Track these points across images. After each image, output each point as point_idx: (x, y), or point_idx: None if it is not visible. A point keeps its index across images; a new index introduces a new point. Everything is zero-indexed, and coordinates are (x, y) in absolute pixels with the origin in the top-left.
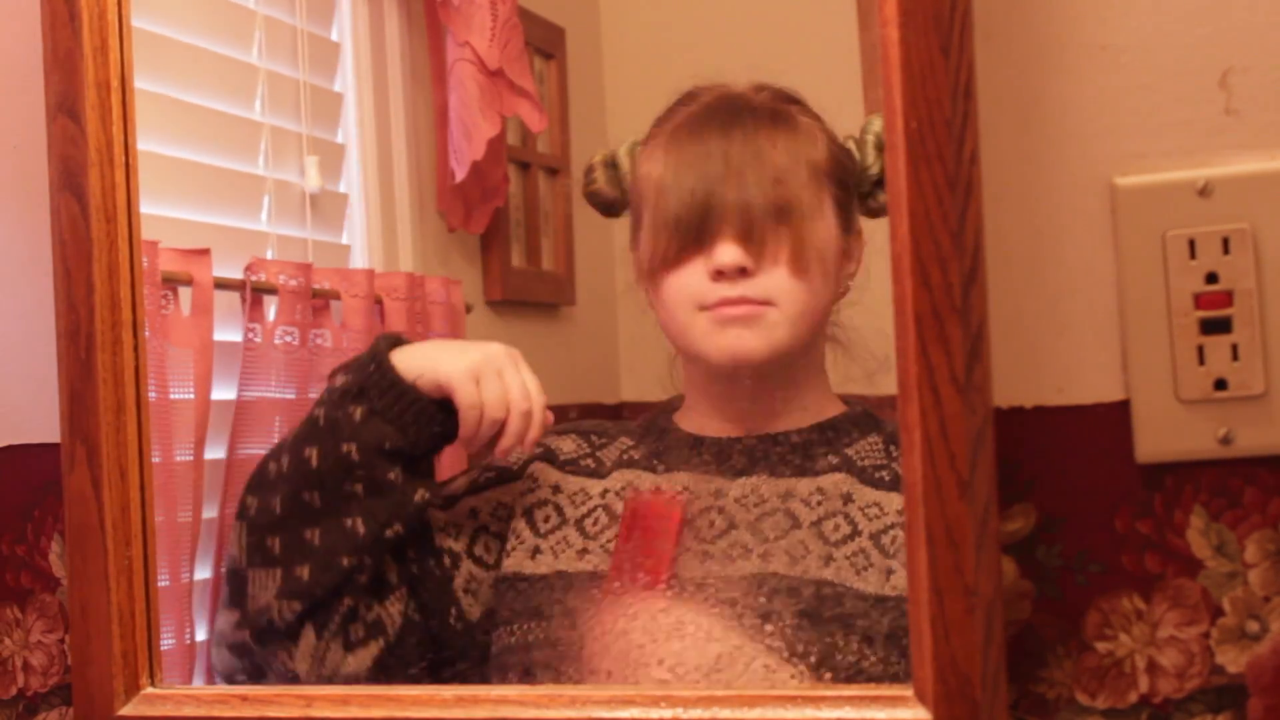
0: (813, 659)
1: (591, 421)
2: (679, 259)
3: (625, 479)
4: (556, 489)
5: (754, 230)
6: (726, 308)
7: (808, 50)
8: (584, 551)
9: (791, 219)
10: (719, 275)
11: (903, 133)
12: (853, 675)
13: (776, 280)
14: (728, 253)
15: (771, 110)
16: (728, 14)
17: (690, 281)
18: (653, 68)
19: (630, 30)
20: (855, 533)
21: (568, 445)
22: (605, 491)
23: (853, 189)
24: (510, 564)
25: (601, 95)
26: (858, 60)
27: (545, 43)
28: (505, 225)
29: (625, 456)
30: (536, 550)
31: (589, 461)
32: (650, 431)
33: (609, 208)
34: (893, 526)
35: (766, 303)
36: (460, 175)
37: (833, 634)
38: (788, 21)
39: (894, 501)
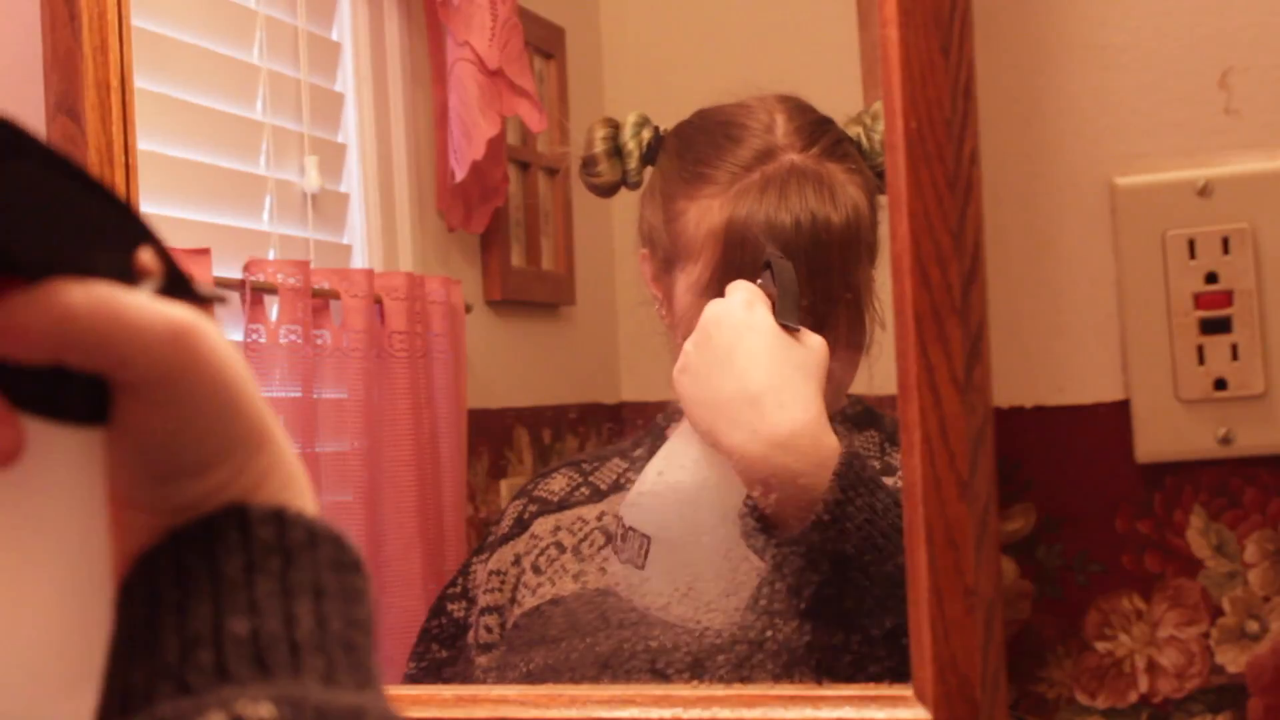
0: (806, 639)
1: (586, 452)
2: None
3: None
4: (556, 529)
5: (818, 326)
6: None
7: (808, 50)
8: (579, 574)
9: (851, 305)
10: None
11: (903, 133)
12: (853, 658)
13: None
14: None
15: (823, 182)
16: (728, 14)
17: None
18: (653, 68)
19: (630, 30)
20: None
21: (558, 484)
22: (602, 515)
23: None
24: (517, 611)
25: (601, 95)
26: (858, 60)
27: (545, 43)
28: (505, 225)
29: (622, 479)
30: (539, 586)
31: (583, 490)
32: (643, 451)
33: (607, 193)
34: None
35: None
36: (460, 175)
37: (824, 616)
38: (788, 21)
39: None
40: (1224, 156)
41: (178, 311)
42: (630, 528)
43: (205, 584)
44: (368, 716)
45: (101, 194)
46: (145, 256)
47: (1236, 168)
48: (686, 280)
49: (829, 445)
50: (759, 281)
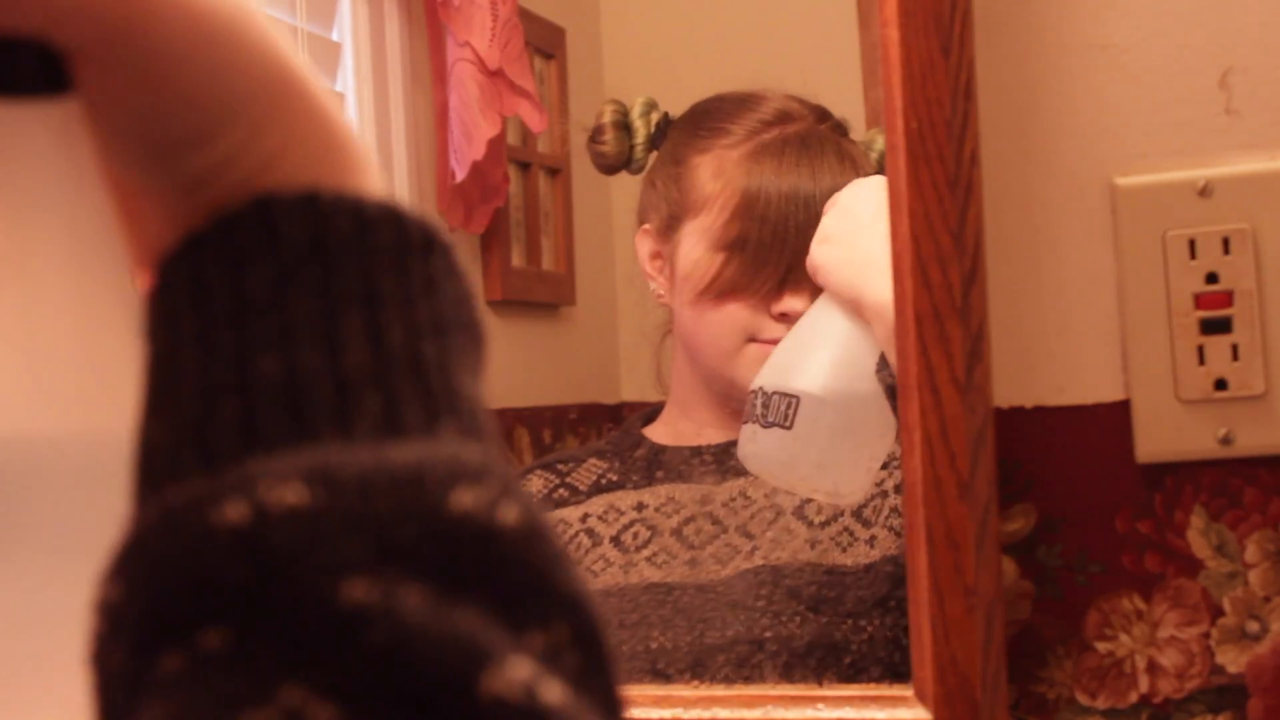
0: (806, 640)
1: (555, 453)
2: (744, 294)
3: (607, 501)
4: None
5: None
6: None
7: (808, 50)
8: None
9: None
10: (784, 317)
11: (903, 133)
12: (853, 658)
13: None
14: (802, 303)
15: (844, 153)
16: (728, 14)
17: (747, 315)
18: (653, 68)
19: (630, 30)
20: (838, 512)
21: (535, 486)
22: (586, 516)
23: None
24: None
25: (601, 95)
26: (858, 60)
27: (545, 43)
28: (505, 225)
29: (603, 480)
30: None
31: (561, 492)
32: (622, 450)
33: (610, 168)
34: (872, 499)
35: None
36: (460, 175)
37: (824, 613)
38: (788, 21)
39: None
40: (1224, 157)
41: None
42: (775, 391)
43: (226, 305)
44: (429, 475)
45: None
46: None
47: (1237, 168)
48: (698, 229)
49: None
50: None
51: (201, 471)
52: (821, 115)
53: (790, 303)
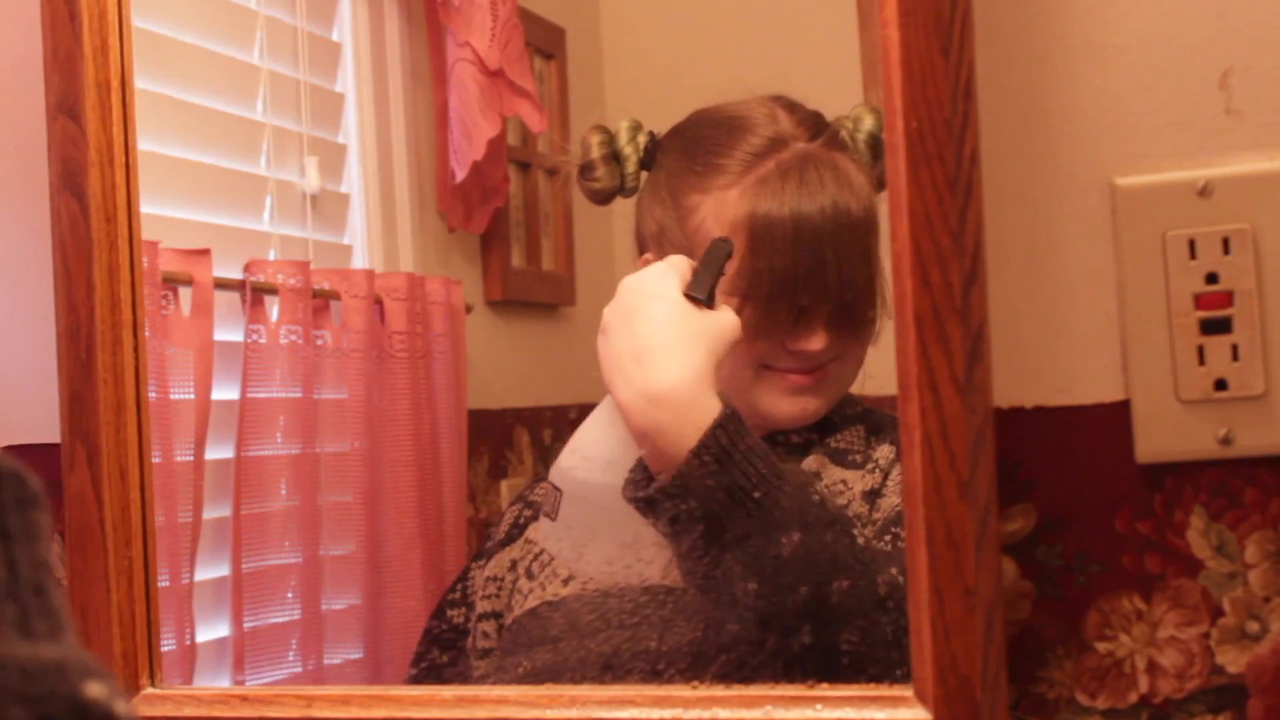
0: (806, 639)
1: None
2: (759, 332)
3: None
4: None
5: (843, 316)
6: (798, 376)
7: (808, 50)
8: (570, 579)
9: (869, 291)
10: (799, 353)
11: (903, 133)
12: (853, 658)
13: (846, 342)
14: (818, 341)
15: (840, 172)
16: (728, 14)
17: (763, 347)
18: (653, 68)
19: (630, 30)
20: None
21: (549, 488)
22: None
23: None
24: (514, 615)
25: (602, 96)
26: (858, 60)
27: (545, 43)
28: (505, 225)
29: None
30: (531, 592)
31: None
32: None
33: (605, 199)
34: (851, 501)
35: (833, 360)
36: (460, 175)
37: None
38: (788, 21)
39: (858, 480)
40: (1224, 157)
41: None
42: (549, 483)
43: None
44: (70, 669)
45: None
46: None
47: (1237, 168)
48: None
49: (704, 407)
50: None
51: None
52: (813, 128)
53: (810, 343)
